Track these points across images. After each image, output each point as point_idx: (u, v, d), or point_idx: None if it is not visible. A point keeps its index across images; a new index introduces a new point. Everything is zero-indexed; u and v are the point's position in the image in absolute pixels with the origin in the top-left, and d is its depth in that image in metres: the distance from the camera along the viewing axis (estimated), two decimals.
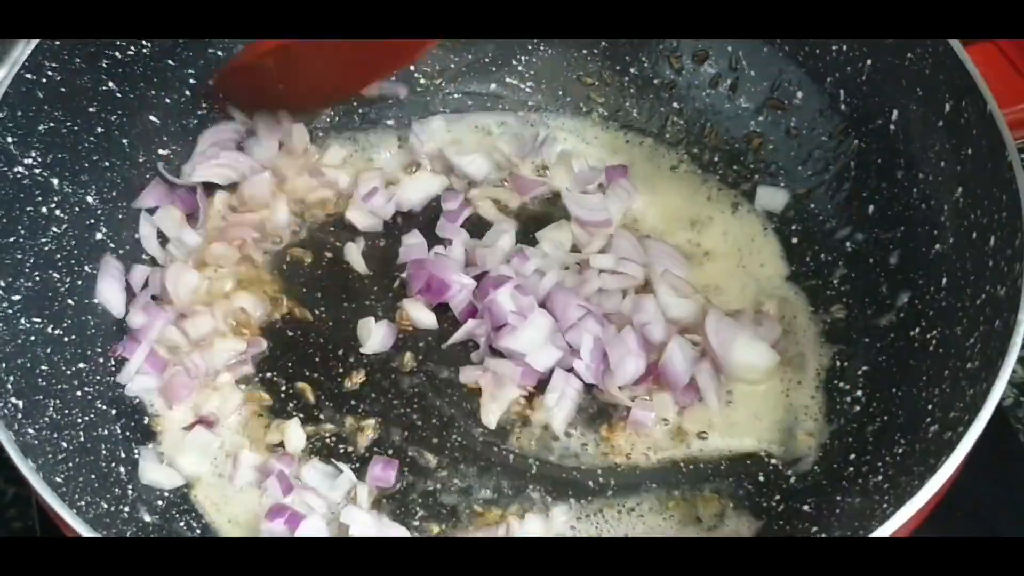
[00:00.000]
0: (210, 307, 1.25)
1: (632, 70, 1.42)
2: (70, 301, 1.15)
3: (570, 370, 1.21)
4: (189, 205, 1.30)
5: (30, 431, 1.01)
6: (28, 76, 1.12)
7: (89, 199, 1.20)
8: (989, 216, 1.06)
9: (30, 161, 1.12)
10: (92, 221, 1.20)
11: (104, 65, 1.20)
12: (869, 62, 1.23)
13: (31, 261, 1.11)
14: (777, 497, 1.15)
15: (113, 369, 1.18)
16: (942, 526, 0.99)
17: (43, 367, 1.09)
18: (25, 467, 0.94)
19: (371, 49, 1.21)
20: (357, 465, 1.16)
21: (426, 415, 1.21)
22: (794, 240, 1.32)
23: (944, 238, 1.13)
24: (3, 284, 1.07)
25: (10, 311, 1.07)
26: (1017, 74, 1.47)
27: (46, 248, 1.14)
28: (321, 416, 1.20)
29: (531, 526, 1.13)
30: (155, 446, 1.16)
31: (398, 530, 1.12)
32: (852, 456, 1.13)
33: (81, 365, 1.14)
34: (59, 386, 1.10)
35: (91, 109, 1.20)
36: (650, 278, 1.26)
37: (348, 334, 1.26)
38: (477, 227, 1.33)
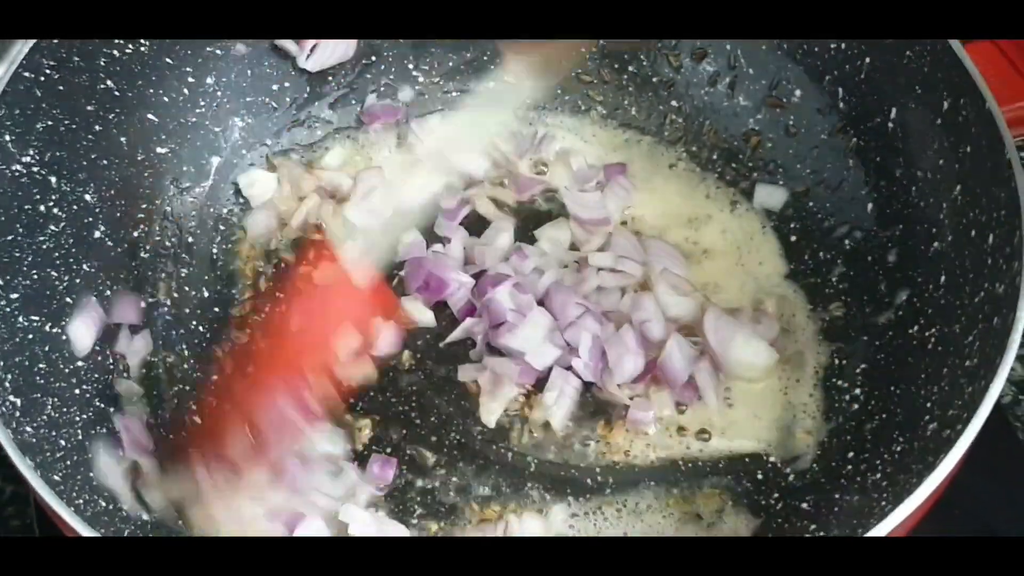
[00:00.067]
0: None
1: (631, 68, 1.42)
2: (68, 299, 1.15)
3: (569, 368, 1.21)
4: None
5: (28, 429, 1.01)
6: (26, 74, 1.11)
7: (87, 197, 1.19)
8: (988, 214, 1.06)
9: (28, 159, 1.12)
10: (90, 219, 1.20)
11: (102, 63, 1.20)
12: (868, 60, 1.23)
13: (29, 259, 1.11)
14: (776, 495, 1.15)
15: (111, 367, 1.18)
16: (941, 524, 0.99)
17: (41, 365, 1.09)
18: (23, 465, 0.94)
19: None
20: (355, 463, 1.16)
21: (424, 413, 1.21)
22: (793, 238, 1.32)
23: (943, 236, 1.13)
24: (1, 282, 1.07)
25: (8, 309, 1.07)
26: (1016, 72, 1.47)
27: (44, 246, 1.13)
28: None
29: (530, 524, 1.13)
30: None
31: (396, 528, 1.12)
32: (851, 454, 1.13)
33: (79, 363, 1.14)
34: (57, 384, 1.10)
35: (89, 107, 1.19)
36: (649, 276, 1.26)
37: None
38: (476, 225, 1.33)
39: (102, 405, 1.14)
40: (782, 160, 1.35)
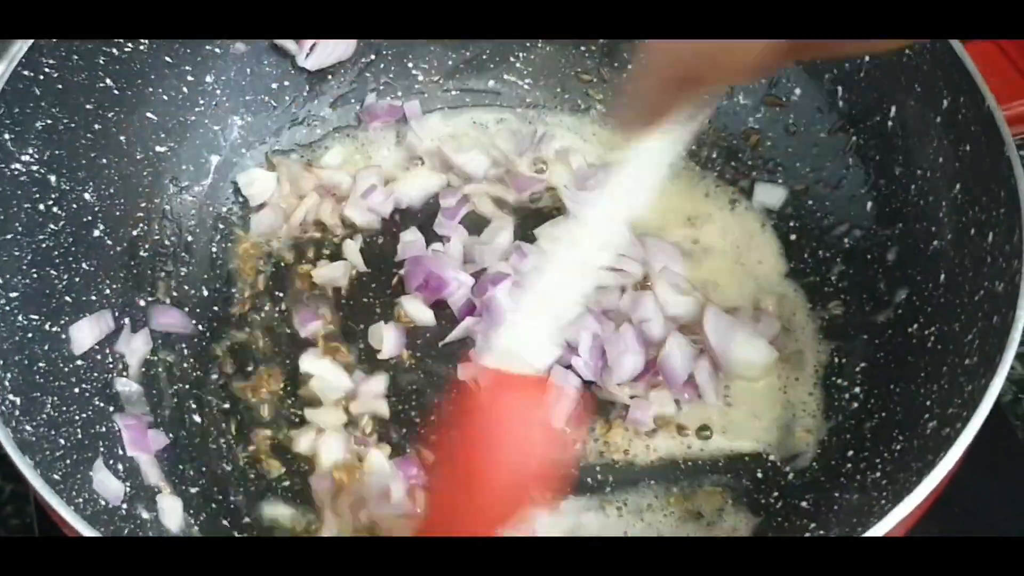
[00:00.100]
0: None
1: (630, 67, 1.42)
2: (67, 298, 1.15)
3: (568, 367, 1.21)
4: None
5: (27, 428, 1.01)
6: (25, 73, 1.11)
7: (87, 196, 1.19)
8: (987, 212, 1.06)
9: (27, 158, 1.12)
10: (90, 218, 1.20)
11: (101, 62, 1.20)
12: (867, 59, 1.23)
13: (28, 258, 1.11)
14: (775, 494, 1.15)
15: (111, 366, 1.18)
16: (940, 523, 0.99)
17: (41, 364, 1.09)
18: (23, 464, 0.94)
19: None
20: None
21: (424, 412, 1.21)
22: (792, 237, 1.32)
23: (942, 234, 1.13)
24: (0, 281, 1.07)
25: (7, 308, 1.07)
26: (1016, 70, 1.47)
27: (43, 245, 1.13)
28: None
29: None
30: None
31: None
32: (850, 452, 1.13)
33: (79, 362, 1.14)
34: (57, 383, 1.09)
35: (88, 106, 1.19)
36: (648, 275, 1.26)
37: (346, 332, 1.26)
38: (475, 224, 1.33)
39: (102, 404, 1.14)
40: (782, 159, 1.35)
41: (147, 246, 1.27)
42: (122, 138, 1.24)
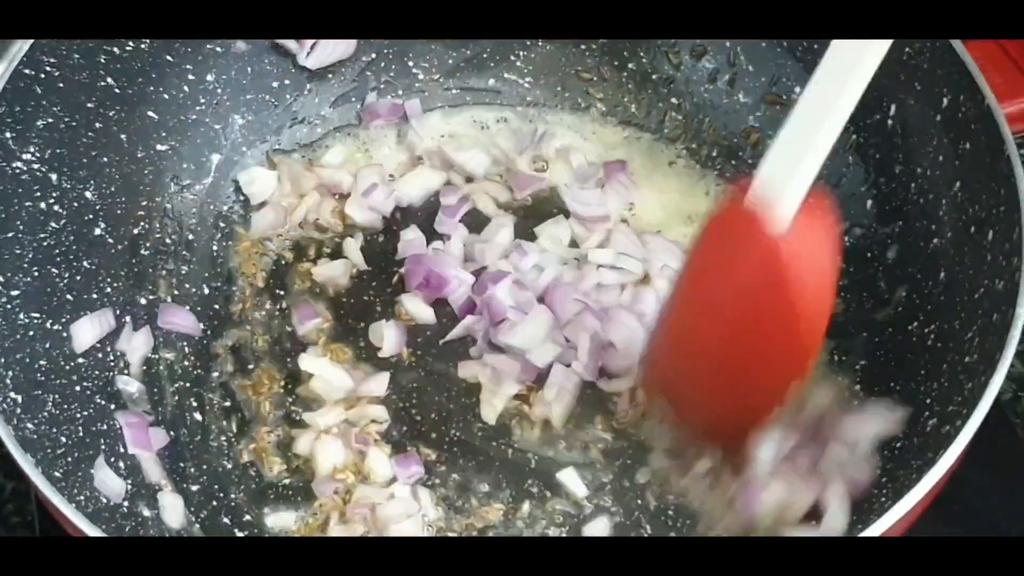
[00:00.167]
0: None
1: (630, 65, 1.42)
2: (69, 296, 1.15)
3: (569, 365, 1.21)
4: None
5: (29, 426, 1.01)
6: (26, 71, 1.11)
7: (88, 194, 1.19)
8: (987, 210, 1.06)
9: (28, 156, 1.12)
10: (91, 216, 1.20)
11: (102, 60, 1.20)
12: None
13: (30, 256, 1.11)
14: None
15: (112, 364, 1.18)
16: (940, 520, 0.99)
17: (42, 362, 1.09)
18: (24, 462, 0.94)
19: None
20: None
21: (425, 410, 1.21)
22: None
23: (942, 232, 1.13)
24: (2, 279, 1.07)
25: (9, 306, 1.07)
26: (1016, 69, 1.48)
27: (45, 243, 1.13)
28: None
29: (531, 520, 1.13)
30: None
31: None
32: None
33: (80, 360, 1.14)
34: (58, 381, 1.10)
35: (89, 104, 1.19)
36: (649, 273, 1.26)
37: (347, 330, 1.27)
38: (476, 222, 1.34)
39: (103, 402, 1.14)
40: None
41: (148, 244, 1.27)
42: (123, 136, 1.25)
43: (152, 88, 1.27)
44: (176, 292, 1.28)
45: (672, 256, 1.27)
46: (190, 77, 1.31)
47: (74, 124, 1.18)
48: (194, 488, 1.15)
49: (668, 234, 1.32)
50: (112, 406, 1.15)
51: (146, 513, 1.09)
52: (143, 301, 1.24)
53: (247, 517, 1.15)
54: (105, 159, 1.22)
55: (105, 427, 1.12)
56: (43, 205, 1.14)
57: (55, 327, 1.12)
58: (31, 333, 1.09)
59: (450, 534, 1.13)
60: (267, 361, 1.25)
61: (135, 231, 1.26)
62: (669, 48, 1.40)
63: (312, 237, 1.34)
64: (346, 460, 1.16)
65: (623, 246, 1.28)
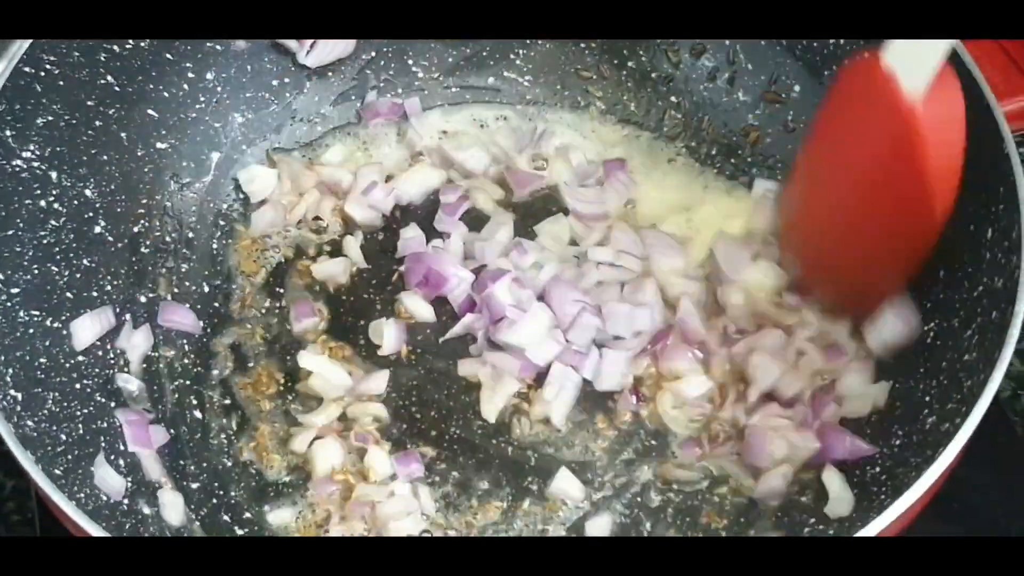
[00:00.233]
0: None
1: (630, 64, 1.42)
2: (69, 294, 1.15)
3: (569, 363, 1.21)
4: None
5: (29, 423, 1.01)
6: (26, 69, 1.11)
7: (88, 192, 1.20)
8: (986, 209, 1.06)
9: (28, 154, 1.12)
10: (91, 214, 1.20)
11: (102, 59, 1.20)
12: (866, 55, 1.23)
13: (30, 254, 1.11)
14: None
15: (112, 362, 1.18)
16: (939, 518, 0.99)
17: (42, 360, 1.09)
18: (25, 459, 0.94)
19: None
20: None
21: (424, 408, 1.21)
22: None
23: (941, 231, 1.13)
24: (2, 277, 1.07)
25: (9, 304, 1.07)
26: (1015, 68, 1.48)
27: (45, 241, 1.14)
28: None
29: (530, 519, 1.13)
30: None
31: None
32: None
33: (80, 358, 1.14)
34: (58, 379, 1.10)
35: (89, 102, 1.20)
36: (647, 269, 1.27)
37: (346, 328, 1.27)
38: (475, 221, 1.34)
39: (103, 400, 1.14)
40: (781, 155, 1.35)
41: (148, 242, 1.27)
42: (123, 135, 1.25)
43: (152, 86, 1.27)
44: (176, 290, 1.28)
45: (670, 250, 1.27)
46: (190, 75, 1.31)
47: (74, 122, 1.18)
48: (194, 486, 1.15)
49: (664, 224, 1.32)
50: (112, 404, 1.15)
51: (146, 511, 1.09)
52: (143, 299, 1.25)
53: (247, 515, 1.15)
54: (105, 157, 1.22)
55: (105, 425, 1.12)
56: (43, 203, 1.14)
57: (55, 325, 1.12)
58: (31, 331, 1.09)
59: (450, 532, 1.13)
60: (267, 359, 1.25)
61: (135, 229, 1.26)
62: (668, 47, 1.40)
63: (312, 235, 1.34)
64: (344, 461, 1.16)
65: (622, 244, 1.28)
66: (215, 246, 1.33)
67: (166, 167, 1.30)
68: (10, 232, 1.10)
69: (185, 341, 1.25)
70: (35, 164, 1.13)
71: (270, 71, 1.38)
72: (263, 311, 1.28)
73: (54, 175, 1.15)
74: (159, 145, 1.30)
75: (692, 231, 1.31)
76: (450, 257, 1.28)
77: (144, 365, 1.21)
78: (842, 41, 1.26)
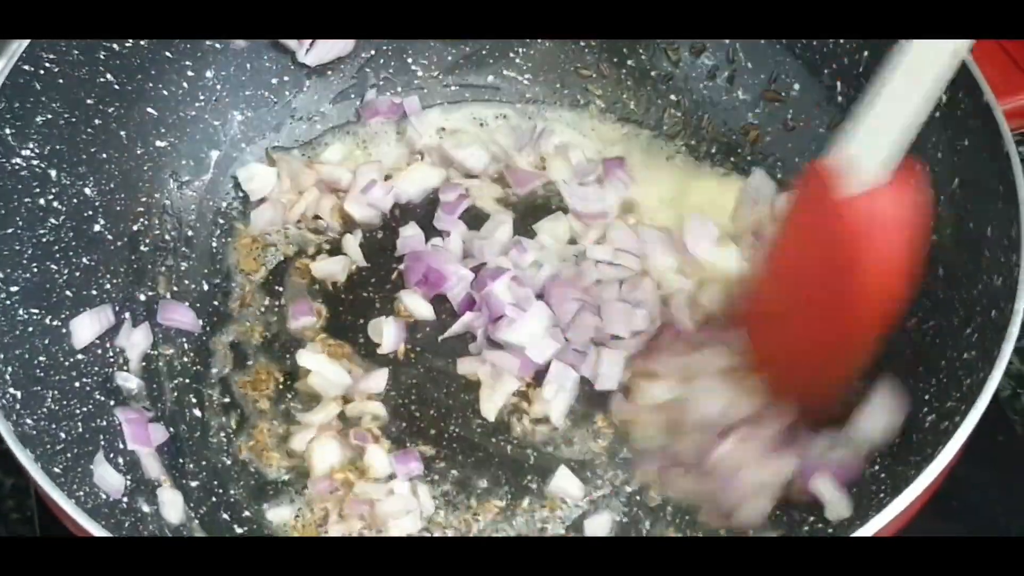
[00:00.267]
0: None
1: (629, 62, 1.42)
2: (68, 292, 1.15)
3: (568, 362, 1.21)
4: None
5: (28, 421, 1.01)
6: (25, 68, 1.11)
7: (87, 191, 1.20)
8: (986, 207, 1.06)
9: (28, 152, 1.12)
10: (90, 213, 1.20)
11: (101, 57, 1.20)
12: (866, 54, 1.23)
13: (29, 252, 1.11)
14: None
15: (111, 360, 1.18)
16: (939, 517, 0.99)
17: (41, 358, 1.09)
18: (24, 457, 0.94)
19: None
20: None
21: (424, 407, 1.21)
22: None
23: (941, 229, 1.13)
24: (1, 275, 1.07)
25: (8, 302, 1.07)
26: (1014, 66, 1.48)
27: (44, 239, 1.14)
28: None
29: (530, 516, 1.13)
30: None
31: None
32: None
33: (79, 356, 1.14)
34: (57, 377, 1.10)
35: (89, 101, 1.20)
36: (645, 267, 1.27)
37: (345, 326, 1.27)
38: (475, 219, 1.34)
39: (102, 398, 1.14)
40: (781, 153, 1.35)
41: (147, 241, 1.27)
42: (122, 133, 1.25)
43: (151, 84, 1.27)
44: (175, 288, 1.28)
45: (666, 246, 1.27)
46: (189, 73, 1.31)
47: (73, 120, 1.18)
48: (193, 484, 1.15)
49: (658, 216, 1.32)
50: (111, 402, 1.15)
51: (145, 509, 1.09)
52: (142, 297, 1.25)
53: (246, 513, 1.15)
54: (104, 155, 1.22)
55: (104, 423, 1.12)
56: (42, 201, 1.14)
57: (54, 323, 1.12)
58: (30, 329, 1.09)
59: (449, 531, 1.13)
60: (266, 357, 1.25)
61: (134, 227, 1.26)
62: (668, 45, 1.40)
63: (311, 234, 1.34)
64: (343, 460, 1.16)
65: (621, 242, 1.28)
66: (214, 244, 1.33)
67: (165, 165, 1.31)
68: (9, 230, 1.10)
69: (184, 339, 1.25)
70: (34, 162, 1.13)
71: (269, 69, 1.38)
72: (262, 309, 1.28)
73: (53, 173, 1.15)
74: (158, 143, 1.30)
75: (679, 217, 1.31)
76: (449, 255, 1.28)
77: (143, 363, 1.21)
78: (841, 39, 1.26)
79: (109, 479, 1.06)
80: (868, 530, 0.88)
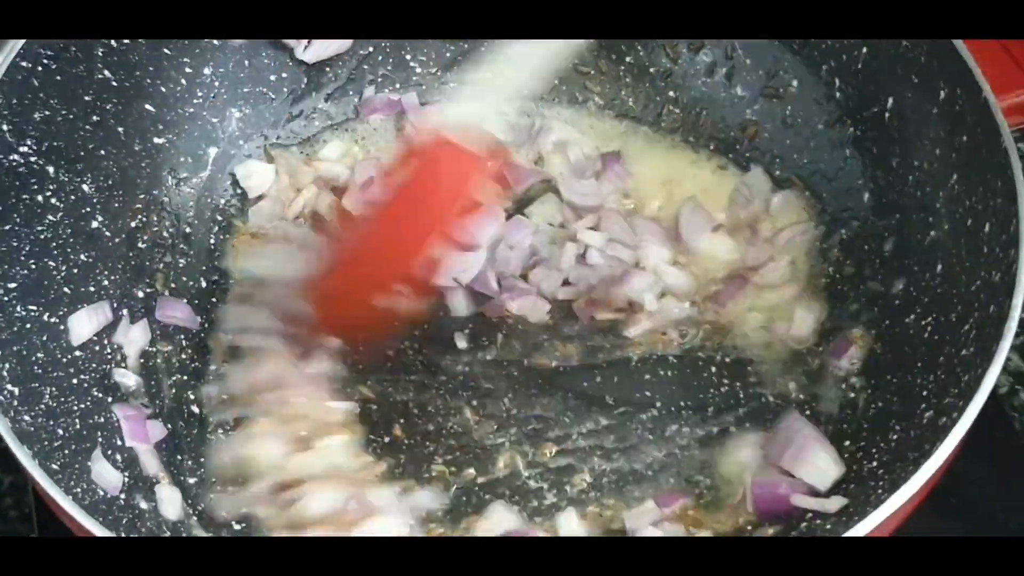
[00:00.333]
0: None
1: (628, 59, 1.42)
2: (66, 289, 1.15)
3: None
4: None
5: (26, 418, 1.01)
6: (23, 64, 1.11)
7: (85, 187, 1.20)
8: (984, 203, 1.06)
9: (25, 149, 1.12)
10: (88, 209, 1.20)
11: (99, 54, 1.20)
12: (864, 50, 1.23)
13: (27, 249, 1.11)
14: None
15: (109, 357, 1.18)
16: (937, 514, 0.99)
17: (39, 355, 1.09)
18: (22, 454, 0.94)
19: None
20: None
21: (423, 405, 1.21)
22: None
23: (939, 225, 1.13)
24: None
25: (5, 299, 1.07)
26: (1013, 62, 1.48)
27: (42, 236, 1.13)
28: None
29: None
30: None
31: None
32: (847, 442, 1.13)
33: (77, 353, 1.14)
34: (55, 374, 1.10)
35: (87, 97, 1.19)
36: (640, 260, 1.27)
37: None
38: None
39: (100, 395, 1.14)
40: (779, 150, 1.35)
41: (145, 237, 1.27)
42: (120, 130, 1.25)
43: (149, 81, 1.27)
44: (173, 285, 1.28)
45: (660, 239, 1.28)
46: (187, 70, 1.31)
47: (71, 117, 1.18)
48: (191, 481, 1.15)
49: (649, 203, 1.33)
50: (109, 399, 1.15)
51: (143, 506, 1.09)
52: (140, 294, 1.24)
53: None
54: (102, 152, 1.22)
55: (102, 420, 1.12)
56: (40, 198, 1.14)
57: (52, 320, 1.12)
58: (28, 326, 1.09)
59: (448, 531, 1.13)
60: None
61: (132, 224, 1.26)
62: (666, 42, 1.40)
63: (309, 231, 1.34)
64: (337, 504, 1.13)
65: (615, 232, 1.29)
66: (213, 241, 1.33)
67: (163, 162, 1.30)
68: (7, 227, 1.10)
69: (182, 336, 1.25)
70: (32, 159, 1.13)
71: (268, 66, 1.38)
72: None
73: (51, 170, 1.15)
74: (156, 140, 1.30)
75: (671, 204, 1.32)
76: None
77: (141, 360, 1.21)
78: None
79: (107, 476, 1.06)
80: (866, 526, 0.88)
